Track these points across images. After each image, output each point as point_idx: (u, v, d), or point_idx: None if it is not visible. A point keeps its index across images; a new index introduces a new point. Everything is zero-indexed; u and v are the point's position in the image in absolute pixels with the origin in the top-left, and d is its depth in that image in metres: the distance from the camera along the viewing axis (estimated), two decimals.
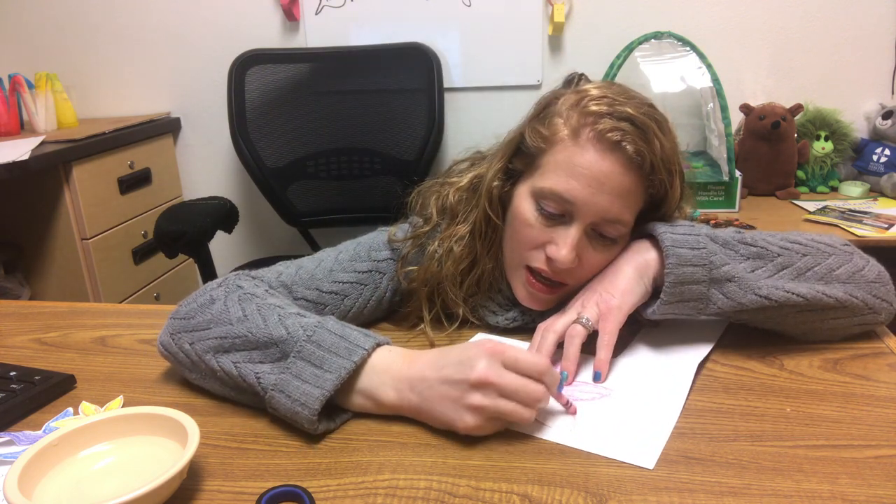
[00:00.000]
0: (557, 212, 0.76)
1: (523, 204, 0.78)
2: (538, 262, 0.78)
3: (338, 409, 0.67)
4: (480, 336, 0.84)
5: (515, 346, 0.63)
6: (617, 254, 0.79)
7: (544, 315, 0.82)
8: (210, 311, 0.72)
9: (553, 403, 0.67)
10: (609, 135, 0.72)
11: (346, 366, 0.64)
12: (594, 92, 0.76)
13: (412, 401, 0.64)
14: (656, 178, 0.75)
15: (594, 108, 0.74)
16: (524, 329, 0.84)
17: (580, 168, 0.73)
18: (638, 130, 0.73)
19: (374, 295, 0.85)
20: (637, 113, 0.73)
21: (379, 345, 0.68)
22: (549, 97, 0.81)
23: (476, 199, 0.83)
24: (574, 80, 0.82)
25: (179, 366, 0.75)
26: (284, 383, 0.64)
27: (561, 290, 0.80)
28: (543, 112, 0.80)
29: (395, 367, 0.66)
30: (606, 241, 0.77)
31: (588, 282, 0.79)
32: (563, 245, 0.75)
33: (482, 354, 0.62)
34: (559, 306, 0.80)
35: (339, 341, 0.66)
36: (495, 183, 0.81)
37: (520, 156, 0.81)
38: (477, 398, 0.61)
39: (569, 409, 0.66)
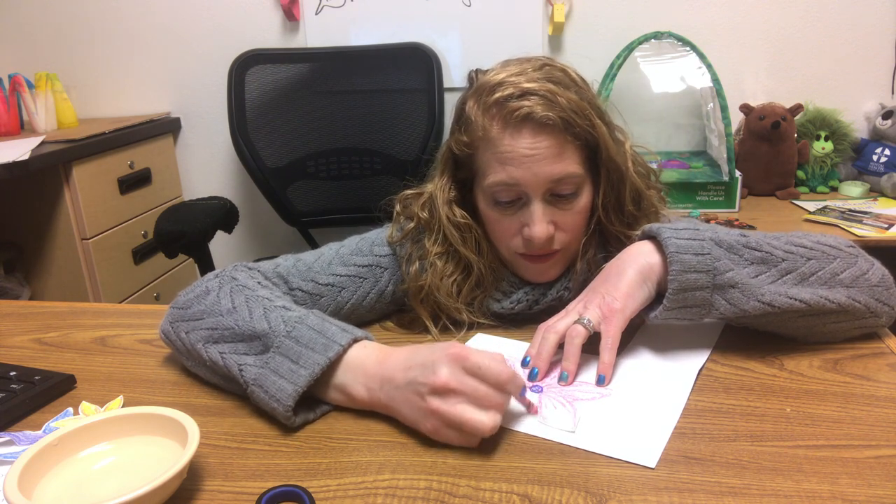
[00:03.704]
0: (512, 198, 0.80)
1: (483, 205, 0.84)
2: (522, 247, 0.82)
3: (318, 400, 0.68)
4: (479, 337, 0.84)
5: (481, 351, 0.62)
6: (587, 202, 0.82)
7: (546, 293, 0.85)
8: (204, 302, 0.74)
9: (551, 405, 0.67)
10: (515, 114, 0.77)
11: (321, 362, 0.65)
12: (489, 83, 0.80)
13: (381, 399, 0.65)
14: (576, 128, 0.78)
15: (492, 98, 0.79)
16: (529, 315, 0.86)
17: (506, 154, 0.78)
18: (539, 98, 0.77)
19: (373, 289, 0.86)
20: (533, 83, 0.78)
21: (356, 340, 0.68)
22: (459, 105, 0.86)
23: (437, 216, 0.85)
24: (473, 78, 0.86)
25: (178, 353, 0.77)
26: (263, 378, 0.65)
27: (558, 254, 0.83)
28: (459, 121, 0.85)
29: (368, 363, 0.66)
30: (568, 197, 0.81)
31: (583, 243, 0.84)
32: (534, 223, 0.79)
33: (445, 360, 0.61)
34: (564, 298, 0.82)
35: (317, 337, 0.67)
36: (452, 194, 0.85)
37: (460, 166, 0.85)
38: (435, 402, 0.60)
39: (530, 409, 0.66)
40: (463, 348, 0.62)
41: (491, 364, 0.61)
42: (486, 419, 0.60)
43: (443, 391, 0.60)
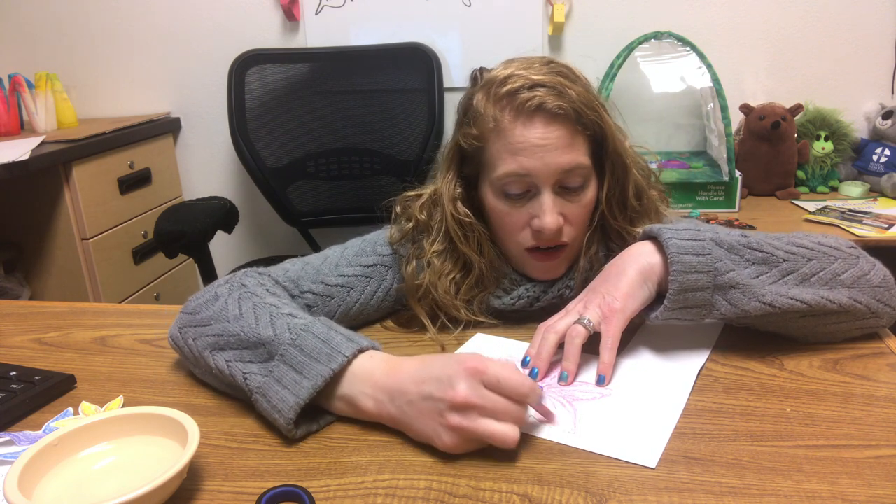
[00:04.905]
0: (522, 190, 0.81)
1: (491, 199, 0.83)
2: (531, 240, 0.82)
3: (322, 410, 0.67)
4: (479, 337, 0.84)
5: (498, 361, 0.61)
6: (593, 195, 0.83)
7: (547, 290, 0.86)
8: (213, 308, 0.74)
9: (551, 405, 0.67)
10: (527, 104, 0.78)
11: (324, 373, 0.63)
12: (498, 77, 0.82)
13: (391, 412, 0.63)
14: (585, 119, 0.80)
15: (503, 90, 0.80)
16: (529, 312, 0.86)
17: (518, 144, 0.79)
18: (549, 89, 0.78)
19: (380, 287, 0.87)
20: (542, 76, 0.79)
21: (362, 350, 0.66)
22: (465, 101, 0.86)
23: (441, 213, 0.85)
24: (477, 77, 0.87)
25: (185, 360, 0.77)
26: (267, 387, 0.64)
27: (565, 251, 0.84)
28: (466, 116, 0.86)
29: (377, 375, 0.65)
30: (576, 189, 0.82)
31: (586, 239, 0.85)
32: (544, 213, 0.80)
33: (463, 374, 0.59)
34: (567, 294, 0.83)
35: (322, 346, 0.65)
36: (458, 191, 0.85)
37: (466, 162, 0.86)
38: (456, 419, 0.59)
39: (548, 418, 0.64)
40: (479, 361, 0.60)
41: (511, 377, 0.60)
42: (511, 431, 0.59)
43: (462, 407, 0.59)
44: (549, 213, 0.79)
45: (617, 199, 0.85)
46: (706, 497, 0.54)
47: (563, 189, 0.81)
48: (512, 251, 0.86)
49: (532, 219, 0.81)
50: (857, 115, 1.93)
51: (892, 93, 1.91)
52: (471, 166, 0.86)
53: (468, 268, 0.86)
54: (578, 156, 0.80)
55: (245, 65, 1.89)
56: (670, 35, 1.77)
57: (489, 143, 0.82)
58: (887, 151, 1.83)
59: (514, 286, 0.87)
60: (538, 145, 0.78)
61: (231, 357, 0.69)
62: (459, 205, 0.85)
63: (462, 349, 0.81)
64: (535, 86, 0.78)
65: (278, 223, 1.98)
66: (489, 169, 0.83)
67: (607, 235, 0.87)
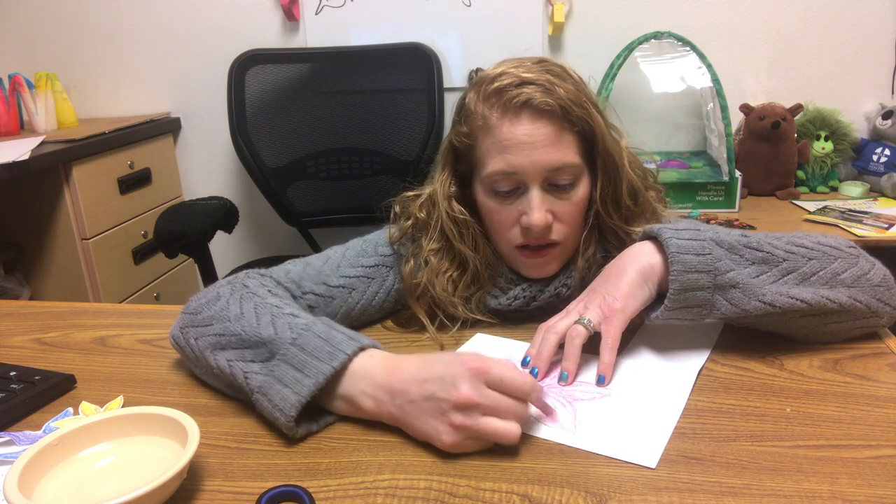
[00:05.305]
0: (511, 187, 0.81)
1: (482, 197, 0.84)
2: (520, 237, 0.83)
3: (323, 410, 0.67)
4: (479, 337, 0.84)
5: (500, 361, 0.61)
6: (584, 194, 0.83)
7: (544, 290, 0.86)
8: (214, 308, 0.74)
9: (551, 405, 0.67)
10: (514, 101, 0.79)
11: (325, 371, 0.63)
12: (489, 75, 0.83)
13: (392, 412, 0.63)
14: (573, 116, 0.79)
15: (492, 88, 0.81)
16: (527, 312, 0.86)
17: (505, 141, 0.79)
18: (537, 86, 0.79)
19: (381, 288, 0.87)
20: (531, 74, 0.80)
21: (363, 348, 0.67)
22: (460, 100, 0.87)
23: (437, 212, 0.86)
24: (472, 78, 0.88)
25: (187, 360, 0.77)
26: (268, 386, 0.64)
27: (556, 249, 0.84)
28: (459, 115, 0.87)
29: (376, 374, 0.65)
30: (566, 188, 0.82)
31: (581, 241, 0.85)
32: (532, 209, 0.80)
33: (465, 374, 0.60)
34: (566, 292, 0.83)
35: (323, 345, 0.65)
36: (452, 189, 0.86)
37: (460, 160, 0.87)
38: (459, 418, 0.59)
39: (547, 412, 0.65)
40: (482, 361, 0.61)
41: (514, 376, 0.60)
42: (513, 427, 0.59)
43: (466, 407, 0.59)
44: (536, 209, 0.79)
45: (611, 198, 0.85)
46: (706, 497, 0.54)
47: (553, 187, 0.81)
48: (503, 249, 0.86)
49: (521, 216, 0.81)
50: (857, 115, 1.93)
51: (892, 93, 1.91)
52: (464, 164, 0.86)
53: (464, 265, 0.86)
54: (567, 154, 0.80)
55: (245, 65, 1.89)
56: (670, 35, 1.77)
57: (479, 141, 0.82)
58: (887, 151, 1.83)
59: (510, 286, 0.87)
60: (525, 142, 0.78)
61: (232, 356, 0.69)
62: (454, 202, 0.85)
63: (462, 349, 0.81)
64: (523, 83, 0.79)
65: (278, 223, 1.98)
66: (479, 167, 0.83)
67: (603, 235, 0.87)
